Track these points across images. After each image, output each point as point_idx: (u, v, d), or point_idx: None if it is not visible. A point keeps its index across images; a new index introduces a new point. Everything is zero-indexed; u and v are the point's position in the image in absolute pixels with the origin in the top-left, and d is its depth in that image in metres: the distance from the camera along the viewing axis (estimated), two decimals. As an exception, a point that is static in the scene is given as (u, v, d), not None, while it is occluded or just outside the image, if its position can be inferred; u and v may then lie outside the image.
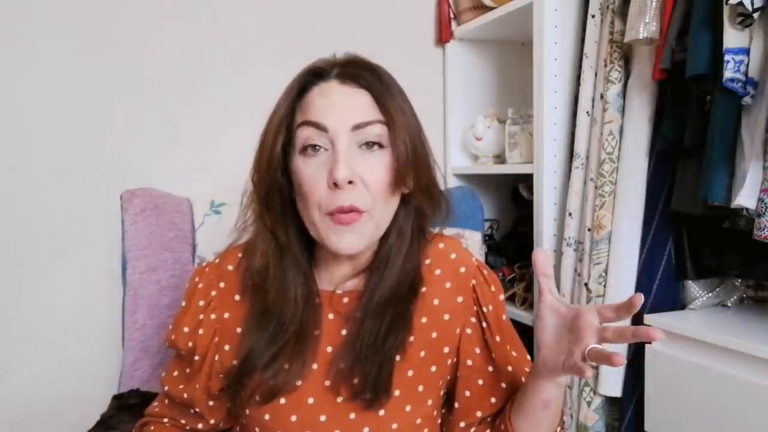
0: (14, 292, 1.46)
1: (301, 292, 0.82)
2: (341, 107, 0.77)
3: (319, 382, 0.81)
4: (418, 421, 0.83)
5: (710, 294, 1.33)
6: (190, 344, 0.85)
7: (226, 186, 1.29)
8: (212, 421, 0.89)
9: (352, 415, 0.80)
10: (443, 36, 1.80)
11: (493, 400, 0.85)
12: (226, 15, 1.60)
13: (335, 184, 0.74)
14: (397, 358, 0.81)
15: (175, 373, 0.89)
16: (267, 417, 0.81)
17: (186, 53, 1.56)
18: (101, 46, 1.49)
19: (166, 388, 0.89)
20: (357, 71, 0.80)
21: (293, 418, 0.80)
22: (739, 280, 1.34)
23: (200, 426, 0.90)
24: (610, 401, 1.37)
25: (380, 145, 0.78)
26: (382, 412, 0.81)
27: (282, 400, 0.80)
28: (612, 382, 1.32)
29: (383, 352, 0.79)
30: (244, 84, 1.59)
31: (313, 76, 0.80)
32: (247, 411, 0.82)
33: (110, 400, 1.13)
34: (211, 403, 0.87)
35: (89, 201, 1.49)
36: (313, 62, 0.82)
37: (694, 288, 1.33)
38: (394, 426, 0.81)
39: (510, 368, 0.86)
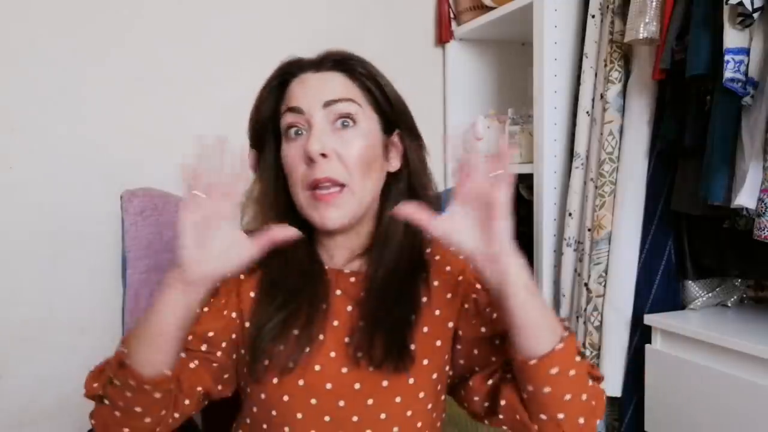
0: (14, 292, 1.46)
1: (307, 267, 0.85)
2: (314, 89, 0.83)
3: (335, 368, 0.82)
4: (435, 376, 0.85)
5: (710, 294, 1.33)
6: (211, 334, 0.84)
7: (226, 186, 1.29)
8: (186, 402, 0.82)
9: (370, 401, 0.81)
10: (443, 36, 1.80)
11: (493, 358, 0.84)
12: (226, 15, 1.60)
13: (310, 159, 0.79)
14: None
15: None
16: (286, 398, 0.81)
17: (186, 53, 1.56)
18: (101, 46, 1.49)
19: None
20: (330, 56, 0.86)
21: (313, 401, 0.81)
22: (739, 280, 1.34)
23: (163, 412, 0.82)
24: (610, 401, 1.37)
25: (353, 121, 0.83)
26: (398, 399, 0.82)
27: (300, 382, 0.81)
28: (612, 382, 1.32)
29: (392, 322, 0.81)
30: (244, 84, 1.57)
31: (294, 68, 0.86)
32: (263, 396, 0.82)
33: (110, 400, 1.13)
34: (199, 388, 0.83)
35: (89, 201, 1.49)
36: (289, 58, 0.88)
37: (694, 288, 1.33)
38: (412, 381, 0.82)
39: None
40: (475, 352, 0.87)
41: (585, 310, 1.36)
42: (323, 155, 0.79)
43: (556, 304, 1.49)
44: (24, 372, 1.47)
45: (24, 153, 1.45)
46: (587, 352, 1.35)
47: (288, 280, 0.84)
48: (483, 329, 0.86)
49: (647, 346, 1.26)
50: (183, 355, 0.83)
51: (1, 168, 1.43)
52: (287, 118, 0.83)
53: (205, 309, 0.85)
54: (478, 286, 0.88)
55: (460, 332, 0.87)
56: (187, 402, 0.81)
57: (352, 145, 0.82)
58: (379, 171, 0.86)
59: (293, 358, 0.80)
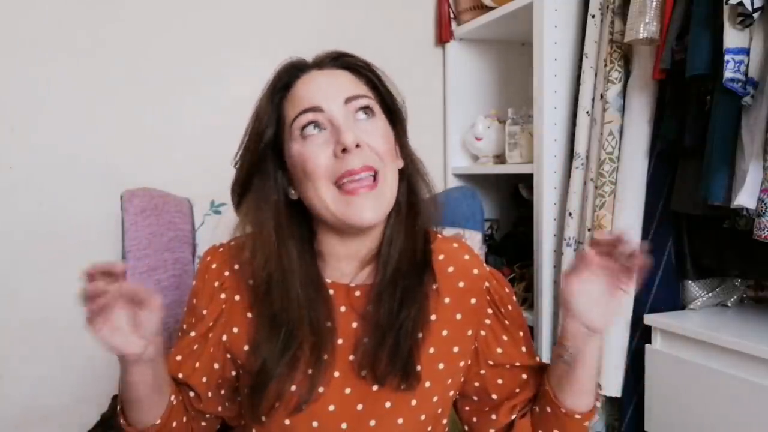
0: (14, 291, 1.46)
1: (307, 292, 0.81)
2: (328, 87, 0.81)
3: (339, 389, 0.81)
4: (435, 398, 0.84)
5: (710, 294, 1.32)
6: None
7: (226, 186, 1.29)
8: (209, 394, 0.87)
9: (372, 422, 0.81)
10: (443, 36, 1.80)
11: (517, 390, 0.87)
12: (226, 16, 1.60)
13: (344, 151, 0.76)
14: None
15: (179, 358, 0.87)
16: (287, 422, 0.80)
17: (186, 53, 1.56)
18: (101, 47, 1.49)
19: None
20: (328, 53, 0.84)
21: (315, 423, 0.80)
22: (739, 280, 1.34)
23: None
24: (610, 401, 1.37)
25: (372, 112, 0.81)
26: (400, 420, 0.81)
27: (303, 406, 0.79)
28: (612, 382, 1.32)
29: (399, 330, 0.80)
30: (245, 84, 1.57)
31: (294, 69, 0.83)
32: (263, 419, 0.81)
33: (110, 400, 1.13)
34: (204, 379, 0.85)
35: (89, 201, 1.49)
36: (289, 59, 0.85)
37: (694, 288, 1.33)
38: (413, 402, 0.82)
39: (518, 363, 0.88)
40: (500, 381, 0.87)
41: (585, 310, 1.36)
42: (357, 146, 0.77)
43: (556, 304, 1.49)
44: (24, 372, 1.47)
45: (24, 153, 1.45)
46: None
47: (288, 313, 0.80)
48: (490, 362, 0.87)
49: (647, 346, 1.26)
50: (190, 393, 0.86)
51: (1, 168, 1.43)
52: (303, 119, 0.79)
53: (192, 333, 0.85)
54: (490, 310, 0.88)
55: (480, 360, 0.87)
56: (203, 423, 0.88)
57: (376, 134, 0.80)
58: (396, 166, 0.84)
59: (299, 389, 0.79)
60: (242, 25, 1.61)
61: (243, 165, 0.84)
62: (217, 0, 1.59)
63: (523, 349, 0.89)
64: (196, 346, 0.85)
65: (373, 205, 0.78)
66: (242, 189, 0.85)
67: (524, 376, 0.88)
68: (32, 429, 1.47)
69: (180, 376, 0.85)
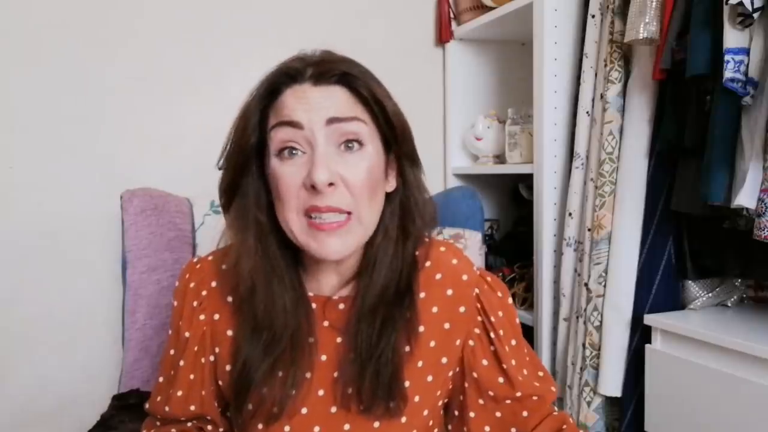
0: (15, 292, 1.46)
1: (291, 302, 0.78)
2: (315, 104, 0.73)
3: (324, 409, 0.79)
4: (425, 412, 0.82)
5: (710, 294, 1.32)
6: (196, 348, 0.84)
7: (226, 186, 1.29)
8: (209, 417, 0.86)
9: None
10: (443, 36, 1.80)
11: (498, 414, 0.84)
12: (225, 15, 1.60)
13: (313, 187, 0.70)
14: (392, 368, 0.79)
15: (158, 399, 0.86)
16: None
17: (186, 53, 1.56)
18: (102, 47, 1.49)
19: (149, 406, 0.87)
20: (331, 66, 0.75)
21: None
22: (739, 280, 1.34)
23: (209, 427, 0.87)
24: (610, 401, 1.37)
25: (360, 143, 0.74)
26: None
27: (286, 428, 0.78)
28: (612, 382, 1.32)
29: (378, 359, 0.77)
30: (244, 84, 1.58)
31: (287, 77, 0.76)
32: None
33: (110, 400, 1.13)
34: (216, 403, 0.85)
35: (89, 201, 1.49)
36: (285, 62, 0.77)
37: (694, 288, 1.33)
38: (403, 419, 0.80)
39: (520, 378, 0.84)
40: (481, 402, 0.84)
41: (585, 310, 1.36)
42: (331, 184, 0.71)
43: (556, 304, 1.49)
44: (24, 372, 1.47)
45: (24, 153, 1.45)
46: (587, 352, 1.36)
47: (271, 319, 0.77)
48: (474, 374, 0.84)
49: (647, 346, 1.26)
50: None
51: (1, 168, 1.43)
52: (281, 133, 0.73)
53: (181, 363, 0.83)
54: (479, 318, 0.84)
55: (465, 371, 0.84)
56: None
57: (359, 169, 0.73)
58: (382, 193, 0.78)
59: (279, 404, 0.76)
60: (242, 25, 1.61)
61: (227, 169, 0.79)
62: (217, 1, 1.59)
63: (513, 362, 0.83)
64: (192, 376, 0.83)
65: (341, 242, 0.73)
66: (229, 193, 0.81)
67: (508, 401, 0.83)
68: (32, 429, 1.47)
69: (192, 408, 0.84)
